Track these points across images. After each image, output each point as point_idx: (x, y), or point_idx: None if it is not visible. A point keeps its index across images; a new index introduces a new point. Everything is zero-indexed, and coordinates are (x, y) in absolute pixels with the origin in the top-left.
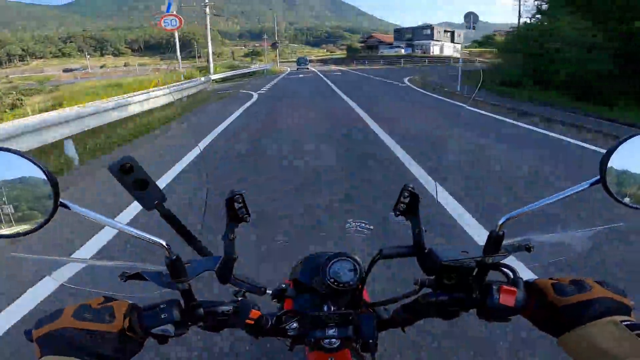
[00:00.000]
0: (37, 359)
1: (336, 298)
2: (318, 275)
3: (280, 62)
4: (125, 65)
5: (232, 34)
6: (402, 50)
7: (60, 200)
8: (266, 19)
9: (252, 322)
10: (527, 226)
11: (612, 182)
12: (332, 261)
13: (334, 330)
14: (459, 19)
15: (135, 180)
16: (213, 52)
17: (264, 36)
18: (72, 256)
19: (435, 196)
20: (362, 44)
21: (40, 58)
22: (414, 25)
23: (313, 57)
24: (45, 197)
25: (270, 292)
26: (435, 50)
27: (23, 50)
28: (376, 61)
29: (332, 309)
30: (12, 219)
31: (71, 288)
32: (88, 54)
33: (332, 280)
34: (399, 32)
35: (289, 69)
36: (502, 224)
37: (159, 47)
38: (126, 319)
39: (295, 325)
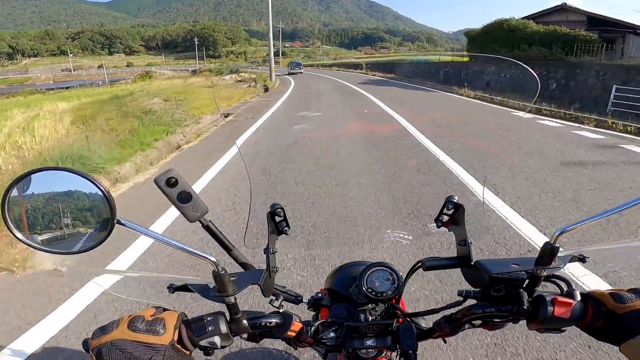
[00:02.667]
0: None
1: (372, 308)
2: (354, 285)
3: (289, 71)
4: (127, 66)
5: (263, 33)
6: None
7: (117, 218)
8: (300, 19)
9: (294, 334)
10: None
11: None
12: (370, 271)
13: (372, 340)
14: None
15: (179, 193)
16: (232, 52)
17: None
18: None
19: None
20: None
21: (35, 56)
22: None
23: (358, 60)
24: (103, 215)
25: (306, 301)
26: None
27: (11, 47)
28: None
29: (369, 318)
30: (72, 237)
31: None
32: (72, 53)
33: (369, 289)
34: None
35: (288, 89)
36: (557, 236)
37: (175, 46)
38: (176, 331)
39: (332, 334)
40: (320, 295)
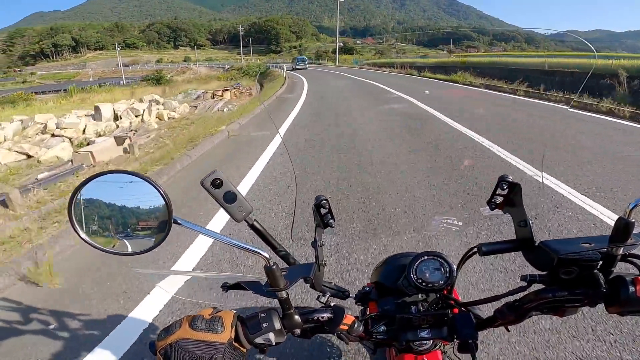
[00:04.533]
0: None
1: (423, 299)
2: (402, 277)
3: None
4: (184, 61)
5: (333, 29)
6: None
7: (174, 217)
8: (373, 17)
9: (346, 328)
10: None
11: None
12: (419, 261)
13: (427, 331)
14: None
15: (225, 194)
16: (295, 47)
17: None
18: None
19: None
20: None
21: (100, 49)
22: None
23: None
24: (161, 215)
25: (353, 295)
26: None
27: (74, 40)
28: None
29: (421, 310)
30: (132, 238)
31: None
32: (120, 46)
33: (419, 280)
34: None
35: None
36: (631, 210)
37: (239, 40)
38: (232, 329)
39: (383, 328)
40: (367, 289)
